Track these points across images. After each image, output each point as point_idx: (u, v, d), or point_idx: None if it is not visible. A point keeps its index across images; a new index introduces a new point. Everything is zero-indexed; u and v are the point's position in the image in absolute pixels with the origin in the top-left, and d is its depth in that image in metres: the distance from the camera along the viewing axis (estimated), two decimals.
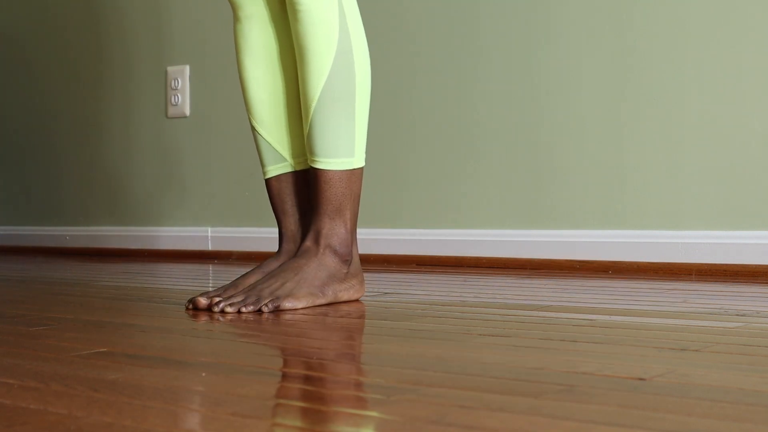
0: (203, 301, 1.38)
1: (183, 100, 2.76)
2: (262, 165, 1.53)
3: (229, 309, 1.34)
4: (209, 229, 2.70)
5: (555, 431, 0.64)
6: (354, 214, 1.46)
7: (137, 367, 0.90)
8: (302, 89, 1.45)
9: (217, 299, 1.37)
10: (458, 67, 2.25)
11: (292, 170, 1.51)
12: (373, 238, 2.37)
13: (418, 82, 2.32)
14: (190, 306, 1.39)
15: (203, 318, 1.30)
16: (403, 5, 2.33)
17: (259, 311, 1.33)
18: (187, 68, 2.75)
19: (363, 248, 2.39)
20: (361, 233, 2.41)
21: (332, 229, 1.43)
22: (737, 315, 1.24)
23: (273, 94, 1.51)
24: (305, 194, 1.51)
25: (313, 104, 1.42)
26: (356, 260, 1.47)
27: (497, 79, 2.19)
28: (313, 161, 1.44)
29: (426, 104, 2.30)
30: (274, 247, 2.54)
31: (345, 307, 1.40)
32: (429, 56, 2.30)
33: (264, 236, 2.56)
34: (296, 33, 1.44)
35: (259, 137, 1.52)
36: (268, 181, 1.52)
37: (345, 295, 1.44)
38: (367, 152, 2.42)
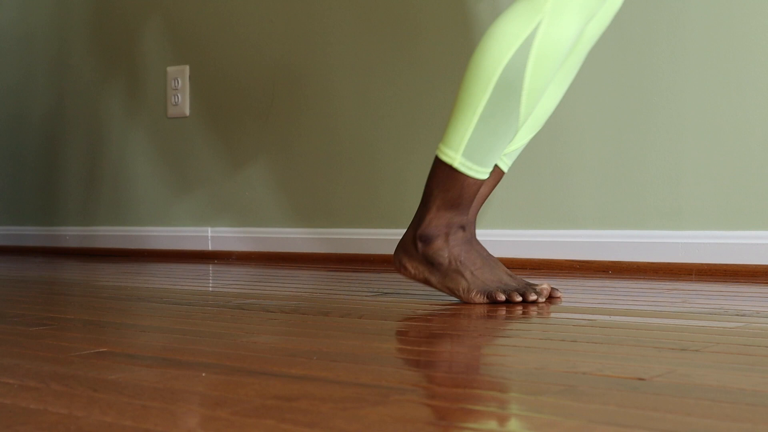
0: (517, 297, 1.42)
1: (183, 100, 2.76)
2: (488, 165, 1.46)
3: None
4: (209, 229, 2.70)
5: (555, 431, 0.64)
6: None
7: (137, 367, 0.90)
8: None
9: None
10: (458, 67, 2.25)
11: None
12: (374, 239, 2.37)
13: (419, 83, 2.32)
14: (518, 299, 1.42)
15: (206, 318, 1.30)
16: (409, 4, 2.33)
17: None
18: (187, 68, 2.75)
19: (365, 249, 2.39)
20: (363, 234, 2.41)
21: None
22: (737, 315, 1.24)
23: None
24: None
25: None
26: None
27: None
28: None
29: (426, 106, 2.30)
30: (274, 248, 2.54)
31: (344, 307, 1.40)
32: (429, 56, 2.30)
33: (264, 236, 2.56)
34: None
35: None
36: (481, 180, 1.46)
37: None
38: (369, 153, 2.42)
